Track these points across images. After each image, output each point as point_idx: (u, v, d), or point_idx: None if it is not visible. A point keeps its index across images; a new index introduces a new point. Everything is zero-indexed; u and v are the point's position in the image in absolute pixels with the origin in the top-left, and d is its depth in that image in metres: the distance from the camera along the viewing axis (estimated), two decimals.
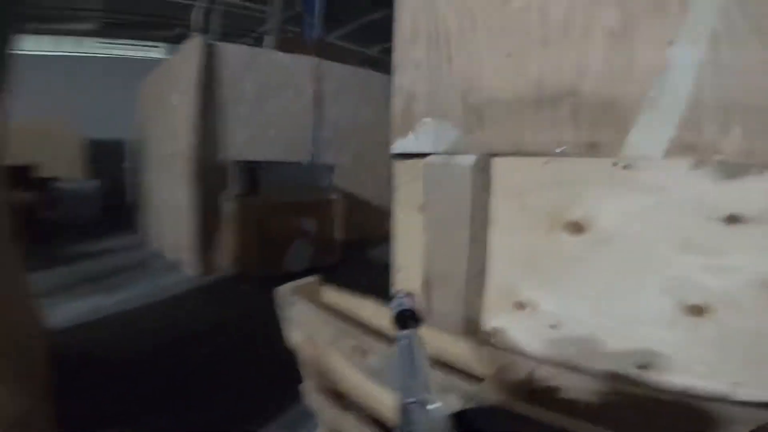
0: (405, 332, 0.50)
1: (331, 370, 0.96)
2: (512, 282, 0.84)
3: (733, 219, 0.59)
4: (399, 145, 1.06)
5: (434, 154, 0.97)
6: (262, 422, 1.45)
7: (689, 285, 0.63)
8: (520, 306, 0.83)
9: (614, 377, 0.70)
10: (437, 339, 0.81)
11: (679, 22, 0.64)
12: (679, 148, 0.65)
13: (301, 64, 3.64)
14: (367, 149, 4.19)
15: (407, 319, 0.54)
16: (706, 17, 0.61)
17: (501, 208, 0.87)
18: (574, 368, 0.72)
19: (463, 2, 0.91)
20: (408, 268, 1.07)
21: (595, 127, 0.75)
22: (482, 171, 0.87)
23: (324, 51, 3.84)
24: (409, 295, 0.61)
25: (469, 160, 0.86)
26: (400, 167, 1.08)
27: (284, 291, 1.06)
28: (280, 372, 1.75)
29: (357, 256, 3.79)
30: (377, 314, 1.03)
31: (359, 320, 1.09)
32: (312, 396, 1.16)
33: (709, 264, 0.61)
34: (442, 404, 0.35)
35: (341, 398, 1.22)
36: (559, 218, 0.78)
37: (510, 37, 0.85)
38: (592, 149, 0.76)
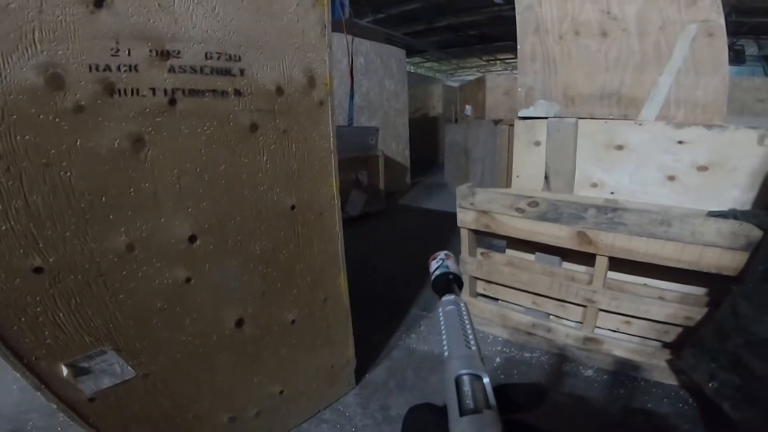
0: (451, 297, 0.45)
1: (498, 222, 1.96)
2: (589, 173, 1.94)
3: (681, 142, 1.74)
4: (522, 113, 2.07)
5: (545, 118, 2.01)
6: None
7: (666, 167, 1.78)
8: (594, 185, 1.94)
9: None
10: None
11: (665, 65, 1.75)
12: (660, 117, 1.79)
13: (338, 40, 4.29)
14: (390, 115, 5.09)
15: (451, 282, 0.50)
16: (676, 63, 1.73)
17: (582, 141, 1.95)
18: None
19: (564, 44, 1.93)
20: (524, 174, 2.12)
21: (627, 108, 1.86)
22: (575, 125, 1.93)
23: (354, 29, 4.51)
24: (448, 255, 0.56)
25: (571, 120, 1.92)
26: (521, 124, 2.10)
27: (464, 188, 2.01)
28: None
29: (392, 203, 4.83)
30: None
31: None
32: (469, 258, 2.14)
33: (673, 158, 1.77)
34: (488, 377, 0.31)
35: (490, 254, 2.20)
36: (611, 143, 1.89)
37: (589, 65, 1.90)
38: (625, 116, 1.87)
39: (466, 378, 0.32)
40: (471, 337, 0.38)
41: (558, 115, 1.98)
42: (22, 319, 0.82)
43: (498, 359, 1.90)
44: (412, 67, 13.61)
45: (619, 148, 1.87)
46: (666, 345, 1.70)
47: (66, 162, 0.82)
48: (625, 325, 1.75)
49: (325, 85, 1.30)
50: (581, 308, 1.82)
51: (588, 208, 1.59)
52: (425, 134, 7.52)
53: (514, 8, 2.01)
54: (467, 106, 5.75)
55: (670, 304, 1.58)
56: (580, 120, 1.93)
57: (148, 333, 1.01)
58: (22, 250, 0.80)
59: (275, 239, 1.25)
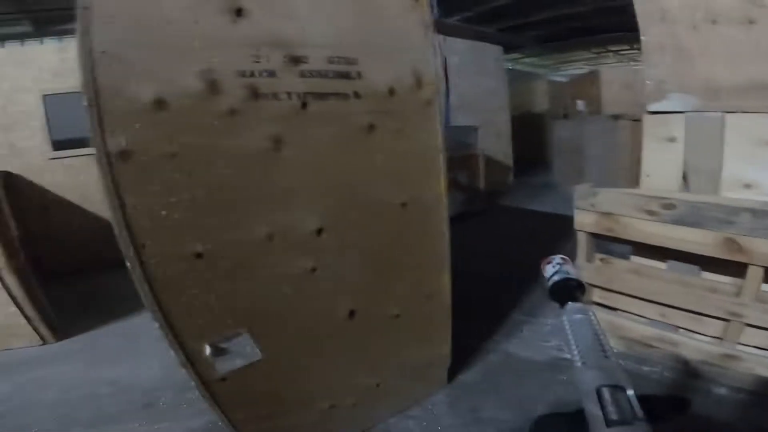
0: (578, 305, 0.42)
1: (624, 225, 1.73)
2: (740, 172, 1.64)
3: None
4: (652, 107, 1.84)
5: (680, 112, 1.75)
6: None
7: None
8: (747, 186, 1.63)
9: None
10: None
11: None
12: None
13: None
14: (489, 113, 4.98)
15: (574, 289, 0.45)
16: None
17: (731, 137, 1.65)
18: None
19: (700, 33, 1.64)
20: (655, 173, 1.87)
21: None
22: (721, 120, 1.65)
23: (444, 29, 4.51)
24: (565, 259, 0.50)
25: (716, 114, 1.65)
26: (652, 119, 1.86)
27: (584, 188, 1.82)
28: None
29: (494, 203, 4.69)
30: None
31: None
32: (586, 264, 1.92)
33: None
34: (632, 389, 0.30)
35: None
36: (765, 139, 1.56)
37: (733, 55, 1.59)
38: None
39: (607, 389, 0.31)
40: (607, 347, 0.37)
41: (696, 108, 1.72)
42: (182, 299, 0.93)
43: None
44: (510, 64, 13.02)
45: None
46: None
47: (222, 160, 0.94)
48: None
49: (432, 84, 1.29)
50: (720, 322, 1.56)
51: (740, 211, 1.36)
52: (529, 132, 7.09)
53: None
54: (579, 101, 5.28)
55: None
56: (727, 114, 1.64)
57: (274, 317, 1.10)
58: (187, 237, 0.92)
59: (386, 235, 1.28)
